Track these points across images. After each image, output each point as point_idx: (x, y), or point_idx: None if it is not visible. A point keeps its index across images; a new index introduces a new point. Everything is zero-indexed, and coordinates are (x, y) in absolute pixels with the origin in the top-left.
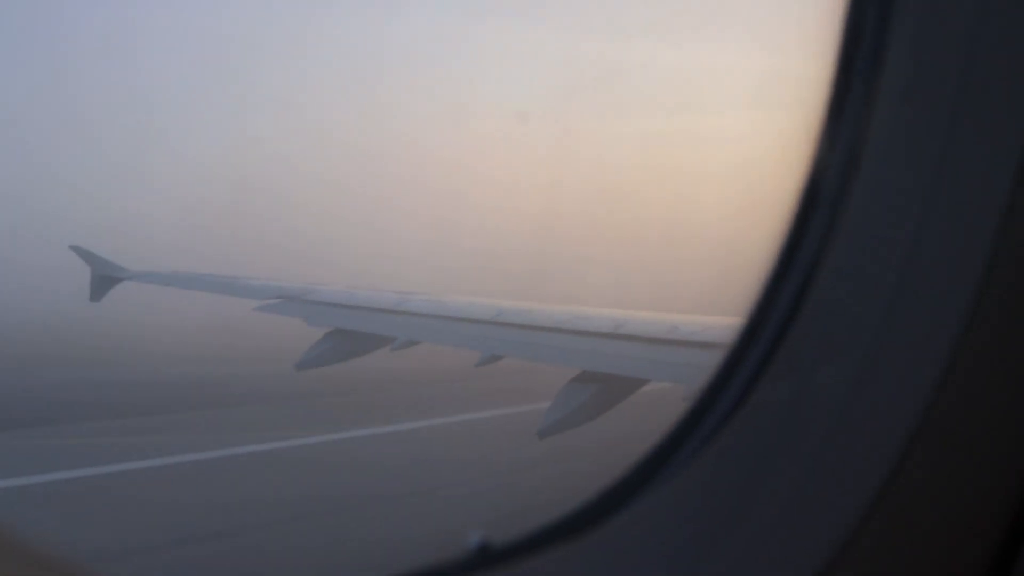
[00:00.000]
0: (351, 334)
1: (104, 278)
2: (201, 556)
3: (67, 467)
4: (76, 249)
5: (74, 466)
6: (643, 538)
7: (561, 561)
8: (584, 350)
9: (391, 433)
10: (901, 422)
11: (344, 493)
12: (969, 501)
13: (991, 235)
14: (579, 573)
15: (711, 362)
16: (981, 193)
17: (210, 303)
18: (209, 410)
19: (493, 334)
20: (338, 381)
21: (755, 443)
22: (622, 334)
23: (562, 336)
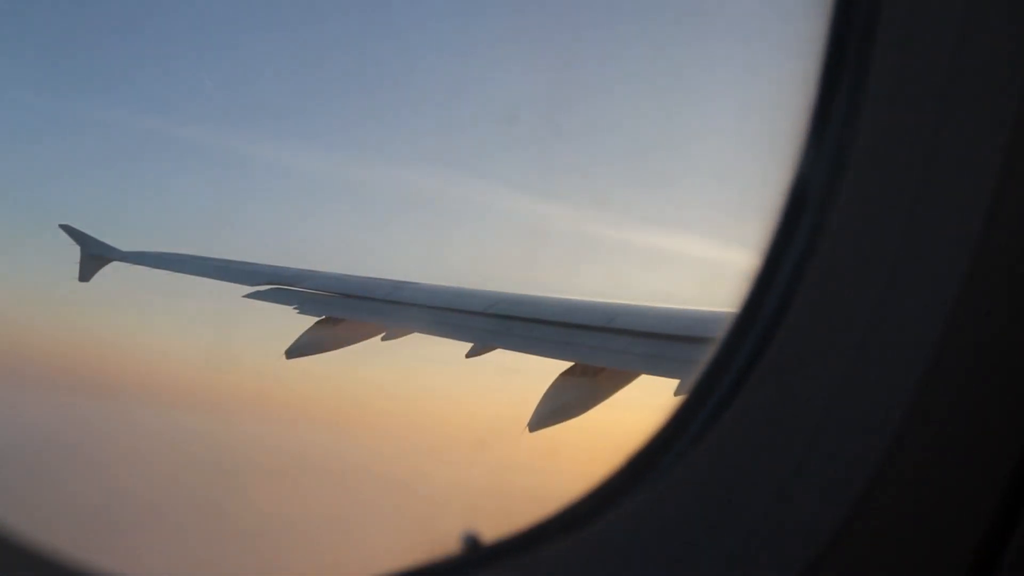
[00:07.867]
0: (342, 323)
1: (94, 258)
2: None
3: None
4: (66, 228)
5: None
6: (633, 535)
7: (549, 559)
8: (577, 342)
9: None
10: (888, 421)
11: None
12: (954, 499)
13: (976, 236)
14: (567, 571)
15: (703, 357)
16: (966, 194)
17: (201, 285)
18: None
19: (486, 325)
20: None
21: (744, 441)
22: (615, 327)
23: (555, 328)
